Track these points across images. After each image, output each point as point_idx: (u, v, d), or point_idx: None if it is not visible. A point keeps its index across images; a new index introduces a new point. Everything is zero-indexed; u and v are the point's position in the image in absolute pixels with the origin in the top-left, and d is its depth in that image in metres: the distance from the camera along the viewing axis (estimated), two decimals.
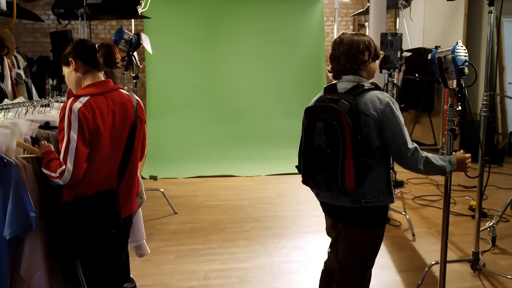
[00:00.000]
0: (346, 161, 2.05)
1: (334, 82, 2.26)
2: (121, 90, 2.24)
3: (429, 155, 2.14)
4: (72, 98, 2.08)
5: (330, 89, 2.22)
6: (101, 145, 2.10)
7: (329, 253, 2.50)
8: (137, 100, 2.28)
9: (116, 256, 2.30)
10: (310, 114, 2.18)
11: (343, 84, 2.19)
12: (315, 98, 2.28)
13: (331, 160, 2.07)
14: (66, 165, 1.99)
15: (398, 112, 2.12)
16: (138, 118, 2.25)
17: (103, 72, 2.25)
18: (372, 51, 2.21)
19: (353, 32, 2.25)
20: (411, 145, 2.10)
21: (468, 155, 2.29)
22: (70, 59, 2.16)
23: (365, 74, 2.23)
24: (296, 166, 2.28)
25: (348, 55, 2.18)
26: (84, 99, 2.06)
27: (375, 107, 2.09)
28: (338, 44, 2.22)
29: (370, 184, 2.13)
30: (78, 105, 2.03)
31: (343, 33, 2.27)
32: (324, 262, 2.54)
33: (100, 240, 2.15)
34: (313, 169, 2.17)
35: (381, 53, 2.33)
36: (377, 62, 2.29)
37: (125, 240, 2.40)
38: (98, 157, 2.10)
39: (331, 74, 2.29)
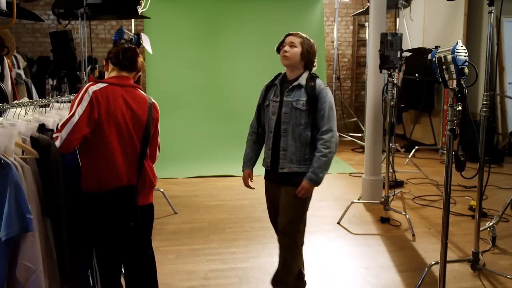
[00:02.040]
0: None
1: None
2: (139, 90, 2.43)
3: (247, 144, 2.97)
4: (92, 81, 2.29)
5: None
6: (112, 130, 2.25)
7: None
8: (153, 101, 2.45)
9: (132, 247, 2.44)
10: None
11: None
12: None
13: None
14: (61, 133, 2.14)
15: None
16: (152, 117, 2.41)
17: (133, 74, 2.43)
18: None
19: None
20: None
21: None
22: (104, 60, 2.46)
23: None
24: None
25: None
26: (101, 85, 2.28)
27: None
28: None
29: None
30: (94, 88, 2.24)
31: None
32: None
33: (119, 232, 2.34)
34: None
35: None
36: None
37: (147, 231, 2.52)
38: (109, 142, 2.24)
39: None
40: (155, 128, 2.46)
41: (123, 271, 2.52)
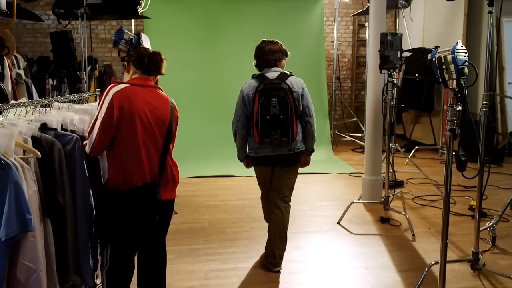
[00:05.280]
0: (293, 122, 3.20)
1: (260, 72, 3.33)
2: (159, 90, 2.53)
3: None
4: (114, 83, 2.36)
5: (262, 76, 3.28)
6: (135, 128, 2.32)
7: (266, 195, 3.53)
8: (173, 102, 2.55)
9: (151, 241, 2.56)
10: (264, 94, 3.19)
11: (272, 74, 3.27)
12: (250, 85, 3.27)
13: (284, 122, 3.17)
14: (88, 140, 2.28)
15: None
16: (174, 116, 2.50)
17: (152, 78, 2.51)
18: (283, 51, 3.36)
19: (268, 40, 3.37)
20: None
21: None
22: (125, 62, 2.54)
23: (280, 67, 3.33)
24: (235, 126, 3.32)
25: (271, 54, 3.29)
26: (123, 85, 2.35)
27: (298, 86, 3.25)
28: (262, 47, 3.32)
29: (298, 136, 3.28)
30: (116, 89, 2.31)
31: (262, 41, 3.38)
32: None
33: (143, 226, 2.44)
34: (269, 130, 3.18)
35: (289, 53, 3.41)
36: (286, 59, 3.41)
37: (166, 225, 2.65)
38: (133, 141, 2.31)
39: (257, 67, 3.37)
40: (175, 126, 2.55)
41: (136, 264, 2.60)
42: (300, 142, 3.30)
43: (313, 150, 3.40)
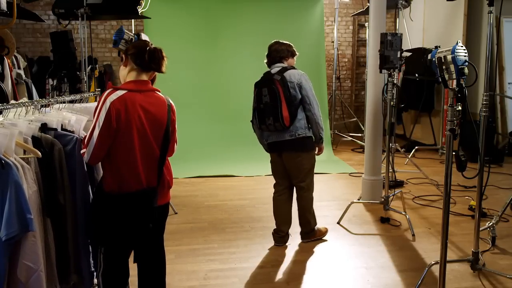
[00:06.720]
0: (282, 108, 3.51)
1: (268, 70, 3.71)
2: (158, 92, 2.43)
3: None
4: (110, 89, 2.26)
5: (267, 72, 3.70)
6: (132, 136, 2.26)
7: (277, 184, 3.92)
8: (170, 103, 2.46)
9: (148, 245, 2.55)
10: (258, 86, 3.66)
11: (274, 69, 3.66)
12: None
13: (274, 109, 3.52)
14: (86, 149, 2.23)
15: (309, 81, 3.65)
16: (171, 119, 2.41)
17: (150, 74, 2.41)
18: (290, 51, 3.75)
19: (278, 41, 3.76)
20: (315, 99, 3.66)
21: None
22: (123, 54, 2.41)
23: (286, 63, 3.70)
24: (251, 121, 3.76)
25: (277, 52, 3.71)
26: (120, 93, 2.25)
27: (295, 77, 3.59)
28: (270, 46, 3.76)
29: (299, 123, 3.59)
30: (113, 97, 2.22)
31: (273, 41, 3.79)
32: (276, 193, 3.93)
33: (137, 232, 2.41)
34: (264, 117, 3.59)
35: (297, 54, 3.81)
36: (295, 58, 3.79)
37: (161, 228, 2.65)
38: (129, 148, 2.26)
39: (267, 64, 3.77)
40: (173, 128, 2.48)
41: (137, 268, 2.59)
42: (302, 128, 3.60)
43: (321, 138, 3.67)
